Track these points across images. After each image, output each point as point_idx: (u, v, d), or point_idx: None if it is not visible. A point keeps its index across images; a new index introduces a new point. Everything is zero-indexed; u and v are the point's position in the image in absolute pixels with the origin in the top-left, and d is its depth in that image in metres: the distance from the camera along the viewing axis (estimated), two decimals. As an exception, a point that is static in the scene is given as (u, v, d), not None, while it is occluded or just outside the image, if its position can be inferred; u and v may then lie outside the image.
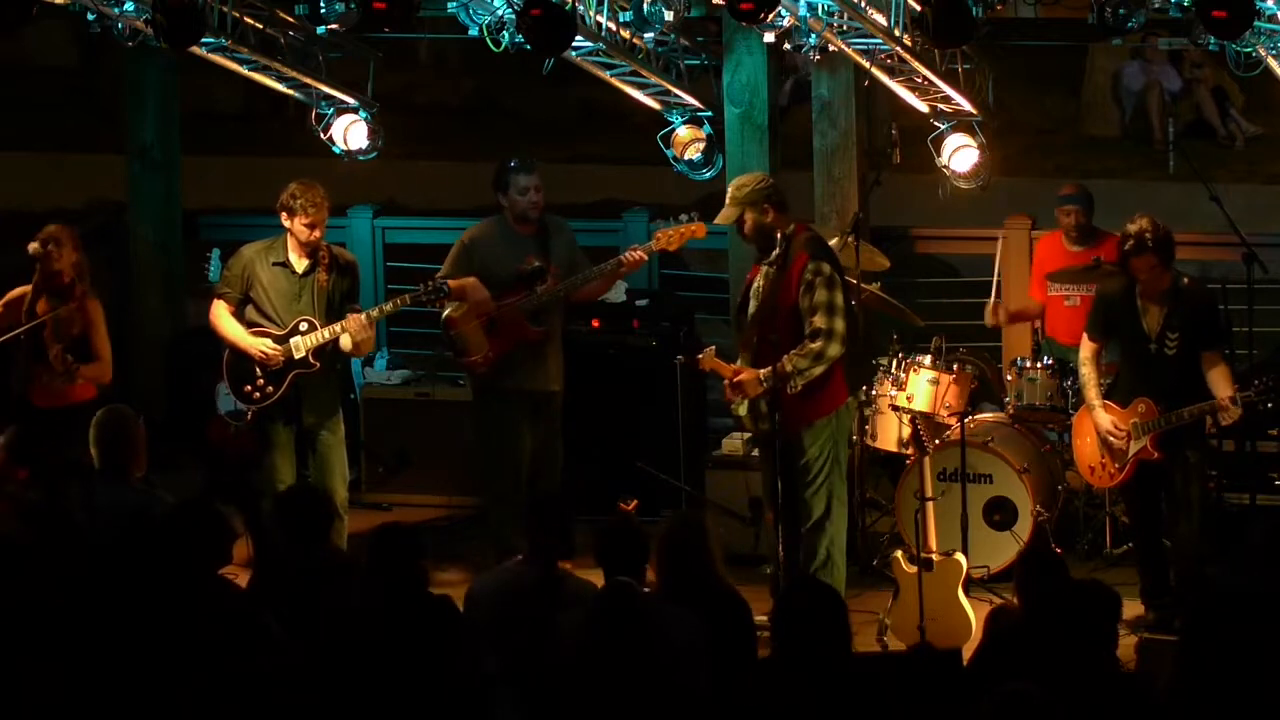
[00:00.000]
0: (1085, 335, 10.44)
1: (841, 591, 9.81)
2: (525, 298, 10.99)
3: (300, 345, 10.77)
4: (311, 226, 10.74)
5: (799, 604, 7.32)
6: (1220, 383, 10.00)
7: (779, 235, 10.05)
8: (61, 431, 10.73)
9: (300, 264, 10.82)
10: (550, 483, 11.13)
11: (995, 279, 11.92)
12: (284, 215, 10.78)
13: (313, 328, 10.78)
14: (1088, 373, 10.36)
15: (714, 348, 10.36)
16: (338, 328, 10.78)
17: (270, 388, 10.81)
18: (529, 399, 11.07)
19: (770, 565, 10.36)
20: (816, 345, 9.90)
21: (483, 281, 10.97)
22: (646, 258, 11.24)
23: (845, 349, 9.97)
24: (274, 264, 10.81)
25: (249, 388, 10.85)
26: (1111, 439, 10.24)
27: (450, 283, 10.98)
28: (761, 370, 9.98)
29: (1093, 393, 10.33)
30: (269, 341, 10.77)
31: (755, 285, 10.21)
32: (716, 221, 10.29)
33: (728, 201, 10.17)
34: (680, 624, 7.72)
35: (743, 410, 10.23)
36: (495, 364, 10.99)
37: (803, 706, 6.85)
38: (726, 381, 10.13)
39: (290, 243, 10.82)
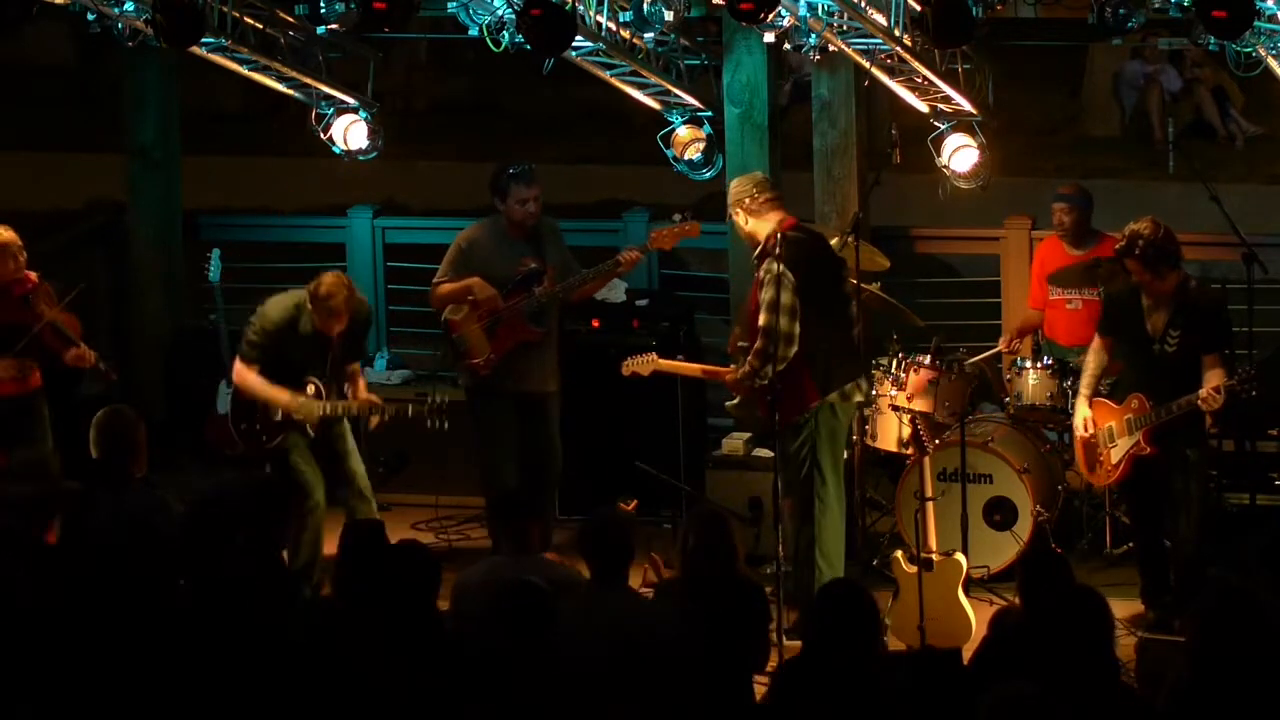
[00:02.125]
0: (1096, 332, 10.51)
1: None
2: (525, 299, 11.02)
3: (308, 414, 10.75)
4: (321, 324, 10.69)
5: (829, 603, 7.35)
6: (1212, 381, 10.01)
7: (757, 237, 10.23)
8: (22, 419, 10.76)
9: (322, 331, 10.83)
10: (550, 481, 11.18)
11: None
12: (307, 297, 10.73)
13: (319, 392, 10.73)
14: (1089, 360, 10.40)
15: (653, 354, 10.71)
16: (350, 407, 10.81)
17: (264, 437, 10.78)
18: (525, 399, 11.11)
19: (770, 565, 10.37)
20: (759, 344, 10.08)
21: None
22: (643, 257, 11.31)
23: (793, 348, 10.04)
24: (301, 334, 10.76)
25: (245, 425, 10.82)
26: (1079, 433, 10.28)
27: (448, 285, 11.03)
28: (740, 370, 10.23)
29: (1085, 380, 10.39)
30: (300, 397, 10.74)
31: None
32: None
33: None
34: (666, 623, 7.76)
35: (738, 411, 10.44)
36: (495, 365, 11.02)
37: (831, 705, 6.88)
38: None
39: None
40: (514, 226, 11.09)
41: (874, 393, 11.10)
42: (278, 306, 10.80)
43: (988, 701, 6.48)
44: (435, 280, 11.22)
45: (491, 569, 8.64)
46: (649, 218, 13.38)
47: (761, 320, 10.07)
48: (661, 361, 10.76)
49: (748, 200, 10.28)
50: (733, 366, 10.40)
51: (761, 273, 10.12)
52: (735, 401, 10.63)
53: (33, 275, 10.94)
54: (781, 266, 10.02)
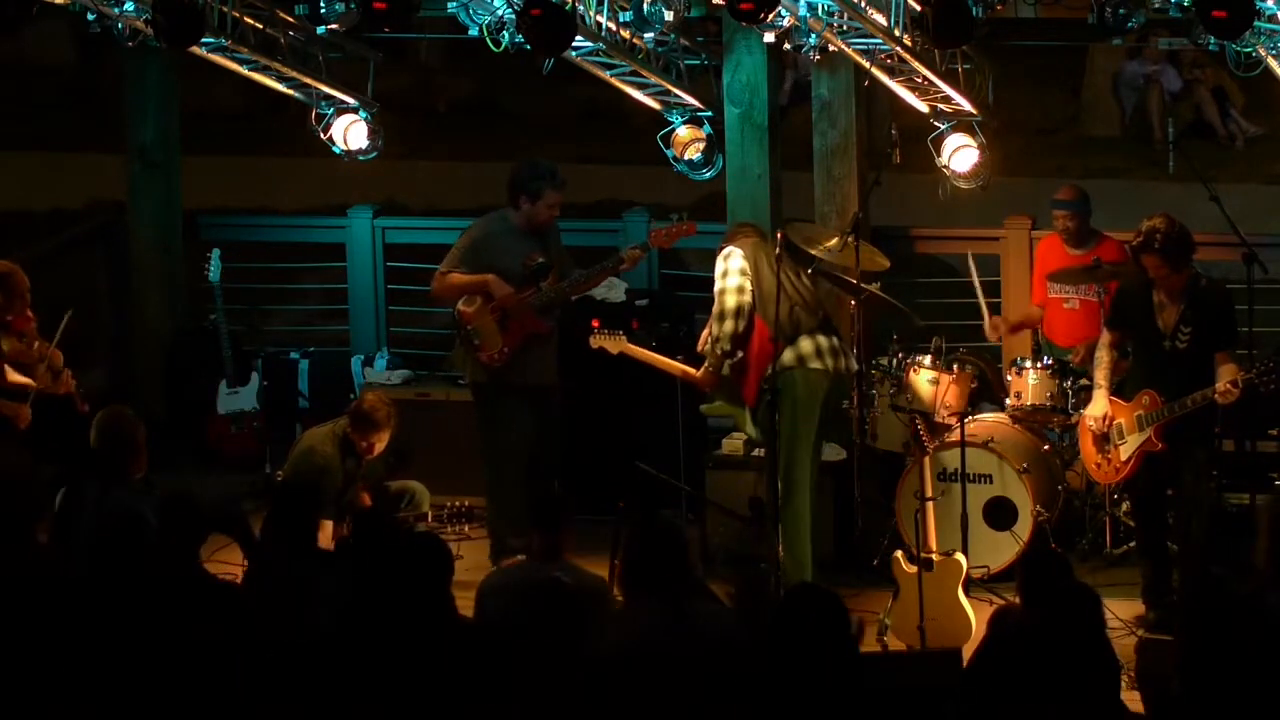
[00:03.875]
0: (1104, 327, 10.52)
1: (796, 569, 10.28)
2: (534, 293, 11.07)
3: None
4: (364, 446, 10.76)
5: (796, 608, 7.32)
6: (1226, 376, 10.01)
7: None
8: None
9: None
10: (551, 474, 11.28)
11: (980, 300, 11.95)
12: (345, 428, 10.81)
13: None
14: (1102, 356, 10.41)
15: (623, 335, 11.05)
16: None
17: None
18: (531, 393, 11.17)
19: (767, 565, 10.39)
20: (714, 311, 10.58)
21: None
22: (644, 255, 11.39)
23: (738, 322, 10.43)
24: (345, 466, 10.78)
25: None
26: (1091, 425, 10.29)
27: (460, 277, 11.09)
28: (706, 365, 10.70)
29: (1102, 374, 10.38)
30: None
31: None
32: None
33: None
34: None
35: (717, 410, 10.98)
36: (508, 359, 11.08)
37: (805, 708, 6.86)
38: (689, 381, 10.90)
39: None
40: (527, 223, 11.11)
41: (874, 393, 11.14)
42: (324, 444, 10.77)
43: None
44: (443, 270, 11.21)
45: (513, 576, 8.63)
46: (649, 218, 13.39)
47: (716, 288, 10.54)
48: (629, 345, 10.99)
49: (730, 244, 10.76)
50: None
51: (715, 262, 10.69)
52: (713, 403, 10.97)
53: (30, 315, 10.86)
54: (729, 247, 10.60)
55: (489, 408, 11.26)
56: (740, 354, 10.54)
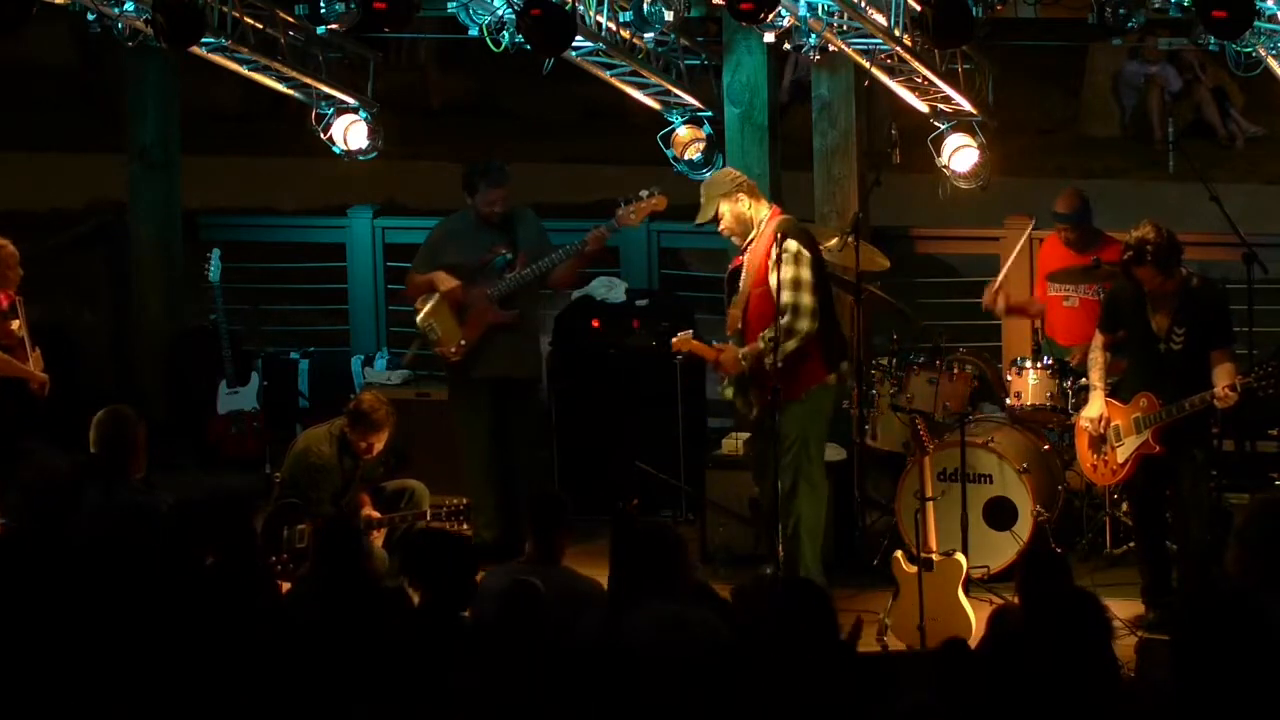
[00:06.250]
0: (1097, 330, 10.50)
1: (813, 573, 10.22)
2: (494, 283, 11.11)
3: None
4: (363, 446, 10.72)
5: (780, 602, 7.33)
6: (1223, 377, 10.01)
7: (754, 220, 10.40)
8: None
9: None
10: (531, 471, 11.33)
11: (1004, 268, 11.93)
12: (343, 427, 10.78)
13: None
14: (1095, 357, 10.41)
15: (690, 331, 10.82)
16: None
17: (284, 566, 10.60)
18: (499, 386, 11.21)
19: (770, 565, 10.39)
20: (785, 320, 10.18)
21: (452, 271, 11.19)
22: (610, 235, 11.35)
23: (816, 324, 10.22)
24: (343, 465, 10.76)
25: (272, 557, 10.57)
26: (1086, 427, 10.29)
27: (418, 276, 11.29)
28: (742, 350, 10.32)
29: (1096, 375, 10.38)
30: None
31: (742, 271, 10.50)
32: (697, 221, 10.65)
33: (703, 201, 10.50)
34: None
35: (729, 394, 10.59)
36: (469, 351, 11.08)
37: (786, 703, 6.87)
38: (710, 362, 10.58)
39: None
40: (480, 217, 11.28)
41: (874, 393, 11.16)
42: (320, 443, 10.74)
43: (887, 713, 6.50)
44: (410, 273, 11.44)
45: (514, 576, 8.63)
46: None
47: (787, 298, 10.20)
48: (692, 343, 10.72)
49: (744, 183, 10.51)
50: (727, 345, 10.48)
51: (777, 251, 10.19)
52: (727, 384, 10.70)
53: (13, 294, 10.97)
54: (798, 245, 10.27)
55: (453, 401, 11.37)
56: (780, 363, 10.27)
